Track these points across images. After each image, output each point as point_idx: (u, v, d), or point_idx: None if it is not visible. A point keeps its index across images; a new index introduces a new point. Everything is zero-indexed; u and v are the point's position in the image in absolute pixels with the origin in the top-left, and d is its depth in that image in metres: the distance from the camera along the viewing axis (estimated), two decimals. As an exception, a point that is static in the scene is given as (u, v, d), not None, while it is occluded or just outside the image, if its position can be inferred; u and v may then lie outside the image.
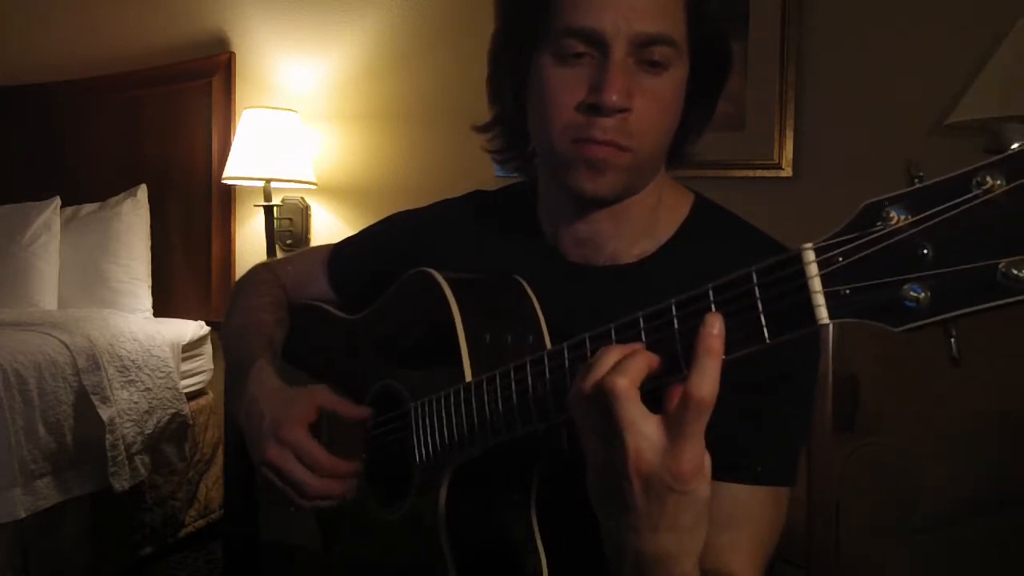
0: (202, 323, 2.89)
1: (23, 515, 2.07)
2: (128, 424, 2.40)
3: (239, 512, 2.45)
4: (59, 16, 3.25)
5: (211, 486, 2.91)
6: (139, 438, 2.44)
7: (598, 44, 0.78)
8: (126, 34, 3.16)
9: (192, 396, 2.79)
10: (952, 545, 1.70)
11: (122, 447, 2.35)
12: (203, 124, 2.99)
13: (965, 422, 1.72)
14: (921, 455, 1.72)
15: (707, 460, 0.59)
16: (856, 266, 0.51)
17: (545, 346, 0.82)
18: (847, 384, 1.77)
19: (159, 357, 2.59)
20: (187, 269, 3.01)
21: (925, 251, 0.48)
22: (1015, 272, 0.45)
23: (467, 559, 0.81)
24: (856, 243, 0.51)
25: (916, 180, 0.49)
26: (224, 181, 2.80)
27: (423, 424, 0.84)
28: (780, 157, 2.39)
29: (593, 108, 0.79)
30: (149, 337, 2.59)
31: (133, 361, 2.48)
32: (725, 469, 0.74)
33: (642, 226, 0.89)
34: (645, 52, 0.79)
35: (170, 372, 2.62)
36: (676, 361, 0.59)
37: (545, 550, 0.81)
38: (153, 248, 2.94)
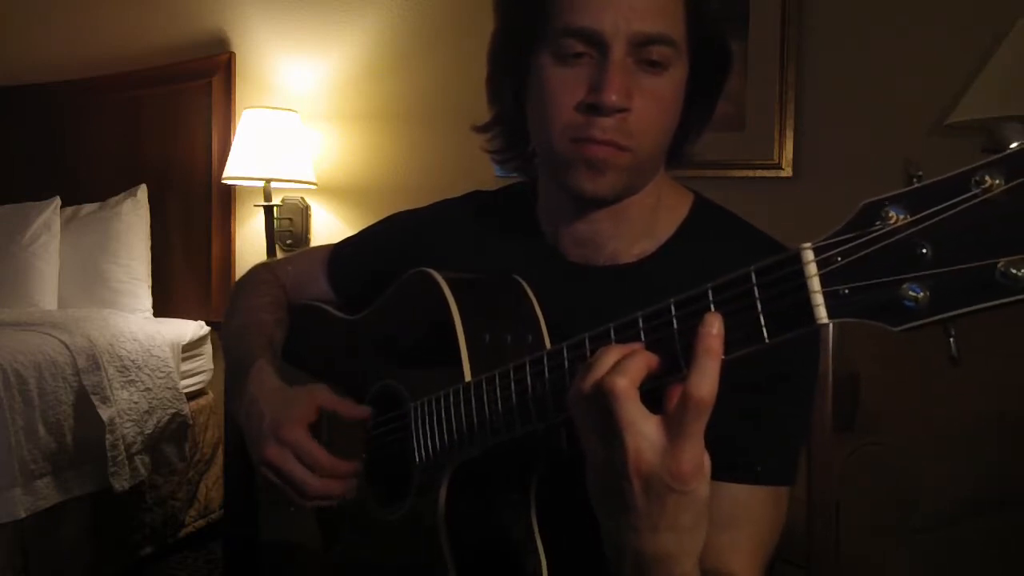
0: (202, 323, 2.89)
1: (23, 515, 2.07)
2: (128, 424, 2.40)
3: (239, 512, 2.45)
4: (59, 16, 3.25)
5: (211, 486, 2.91)
6: (139, 438, 2.45)
7: (597, 44, 0.78)
8: (126, 34, 3.16)
9: (192, 396, 2.79)
10: (952, 545, 1.70)
11: (122, 447, 2.35)
12: (203, 124, 2.99)
13: (965, 422, 1.72)
14: (921, 455, 1.72)
15: (707, 460, 0.59)
16: (855, 266, 0.51)
17: (545, 346, 0.82)
18: (847, 384, 1.76)
19: (159, 357, 2.59)
20: (187, 269, 3.01)
21: (924, 250, 0.48)
22: (1014, 271, 0.45)
23: (467, 559, 0.81)
24: (855, 243, 0.51)
25: (915, 179, 0.49)
26: (224, 181, 2.80)
27: (423, 424, 0.84)
28: (780, 157, 2.39)
29: (592, 108, 0.79)
30: (149, 337, 2.59)
31: (133, 361, 2.48)
32: (725, 469, 0.74)
33: (642, 226, 0.89)
34: (644, 52, 0.79)
35: (170, 372, 2.62)
36: (675, 361, 0.59)
37: (545, 550, 0.81)
38: (153, 248, 2.94)
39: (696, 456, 0.57)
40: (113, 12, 3.18)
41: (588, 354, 0.65)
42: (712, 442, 0.58)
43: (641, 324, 0.62)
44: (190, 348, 2.82)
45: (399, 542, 0.90)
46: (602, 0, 0.78)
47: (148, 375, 2.52)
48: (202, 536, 2.85)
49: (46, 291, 2.80)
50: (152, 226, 2.95)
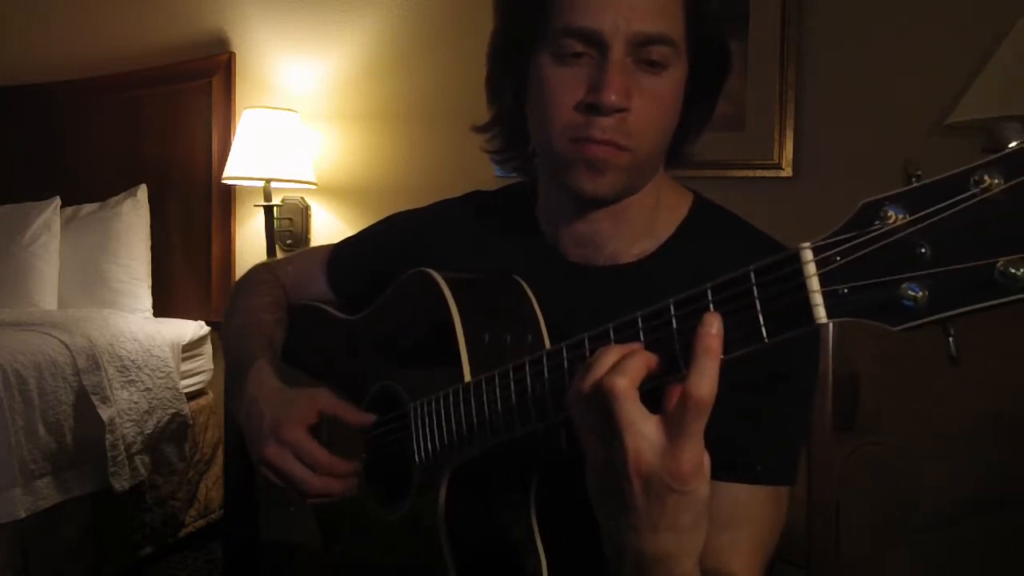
0: (202, 323, 2.89)
1: (23, 515, 2.07)
2: (128, 424, 2.40)
3: (239, 512, 2.45)
4: (59, 16, 3.25)
5: (211, 486, 2.91)
6: (139, 438, 2.45)
7: (597, 44, 0.78)
8: (126, 34, 3.16)
9: (192, 396, 2.79)
10: (952, 545, 1.70)
11: (122, 447, 2.35)
12: (203, 124, 2.99)
13: (965, 421, 1.72)
14: (921, 455, 1.71)
15: (707, 460, 0.59)
16: (854, 265, 0.51)
17: (544, 346, 0.81)
18: (847, 384, 1.76)
19: (159, 357, 2.59)
20: (187, 269, 3.01)
21: (923, 250, 0.48)
22: (1013, 271, 0.45)
23: (467, 559, 0.81)
24: (854, 242, 0.51)
25: (913, 179, 0.49)
26: (224, 181, 2.80)
27: (422, 424, 0.84)
28: (780, 157, 2.39)
29: (592, 108, 0.79)
30: (149, 337, 2.59)
31: (133, 361, 2.48)
32: (725, 469, 0.74)
33: (641, 226, 0.89)
34: (644, 52, 0.79)
35: (170, 372, 2.62)
36: (675, 361, 0.59)
37: (545, 550, 0.81)
38: (153, 248, 2.94)
39: (696, 456, 0.57)
40: (113, 12, 3.18)
41: (588, 354, 0.65)
42: (712, 442, 0.58)
43: (640, 324, 0.62)
44: (190, 348, 2.82)
45: (399, 542, 0.90)
46: (601, 0, 0.78)
47: (148, 375, 2.52)
48: (202, 536, 2.85)
49: (46, 291, 2.80)
50: (152, 226, 2.95)
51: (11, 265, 2.79)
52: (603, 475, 0.61)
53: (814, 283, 0.52)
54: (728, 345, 0.56)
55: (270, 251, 2.80)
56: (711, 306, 0.57)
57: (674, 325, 0.59)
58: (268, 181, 2.68)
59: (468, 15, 2.70)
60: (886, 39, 2.28)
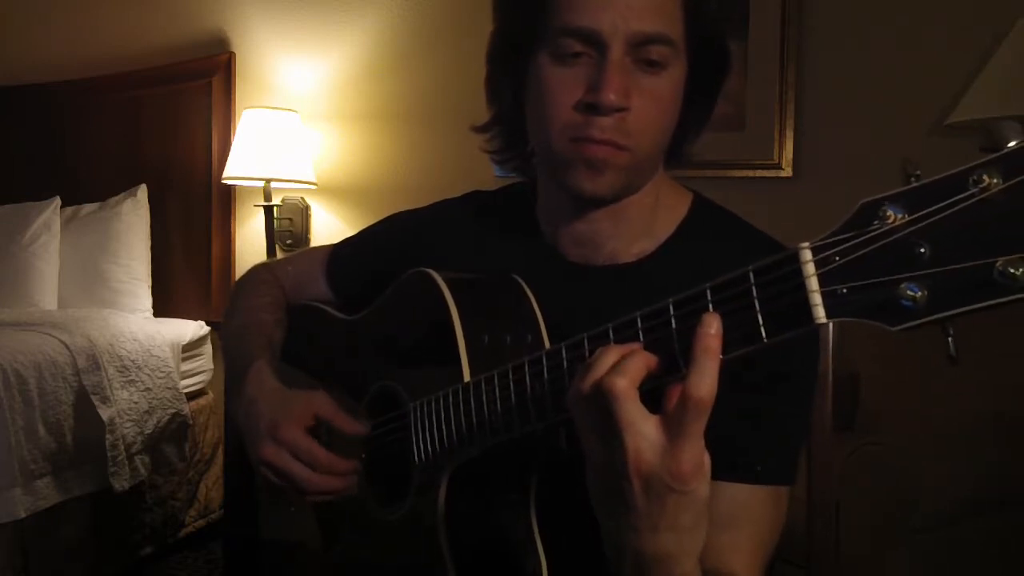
0: (202, 323, 2.89)
1: (23, 515, 2.07)
2: (128, 424, 2.40)
3: (239, 512, 2.45)
4: (59, 16, 3.25)
5: (211, 486, 2.91)
6: (139, 438, 2.45)
7: (596, 44, 0.78)
8: (126, 34, 3.16)
9: (192, 396, 2.79)
10: (952, 545, 1.70)
11: (122, 447, 2.35)
12: (203, 124, 2.99)
13: (965, 421, 1.72)
14: (921, 455, 1.71)
15: (707, 460, 0.59)
16: (853, 265, 0.51)
17: (544, 346, 0.81)
18: (847, 384, 1.76)
19: (159, 357, 2.59)
20: (187, 269, 3.01)
21: (922, 250, 0.48)
22: (1012, 270, 0.45)
23: (466, 559, 0.81)
24: (853, 242, 0.51)
25: (913, 179, 0.49)
26: (224, 181, 2.80)
27: (422, 424, 0.84)
28: (780, 157, 2.39)
29: (591, 107, 0.79)
30: (149, 337, 2.59)
31: (133, 361, 2.48)
32: (725, 469, 0.74)
33: (641, 226, 0.89)
34: (643, 51, 0.79)
35: (170, 372, 2.62)
36: (674, 361, 0.59)
37: (545, 550, 0.81)
38: (153, 248, 2.94)
39: (696, 456, 0.57)
40: (113, 12, 3.18)
41: (587, 354, 0.64)
42: (712, 442, 0.58)
43: (640, 324, 0.62)
44: (190, 348, 2.82)
45: (399, 542, 0.90)
46: (600, 0, 0.78)
47: (148, 375, 2.52)
48: (202, 536, 2.85)
49: (46, 291, 2.80)
50: (152, 226, 2.95)
51: (11, 265, 2.79)
52: (603, 475, 0.61)
53: (813, 283, 0.52)
54: (728, 345, 0.56)
55: (270, 251, 2.80)
56: (710, 306, 0.57)
57: (673, 325, 0.59)
58: (268, 181, 2.68)
59: (468, 15, 2.70)
60: (886, 39, 2.28)
